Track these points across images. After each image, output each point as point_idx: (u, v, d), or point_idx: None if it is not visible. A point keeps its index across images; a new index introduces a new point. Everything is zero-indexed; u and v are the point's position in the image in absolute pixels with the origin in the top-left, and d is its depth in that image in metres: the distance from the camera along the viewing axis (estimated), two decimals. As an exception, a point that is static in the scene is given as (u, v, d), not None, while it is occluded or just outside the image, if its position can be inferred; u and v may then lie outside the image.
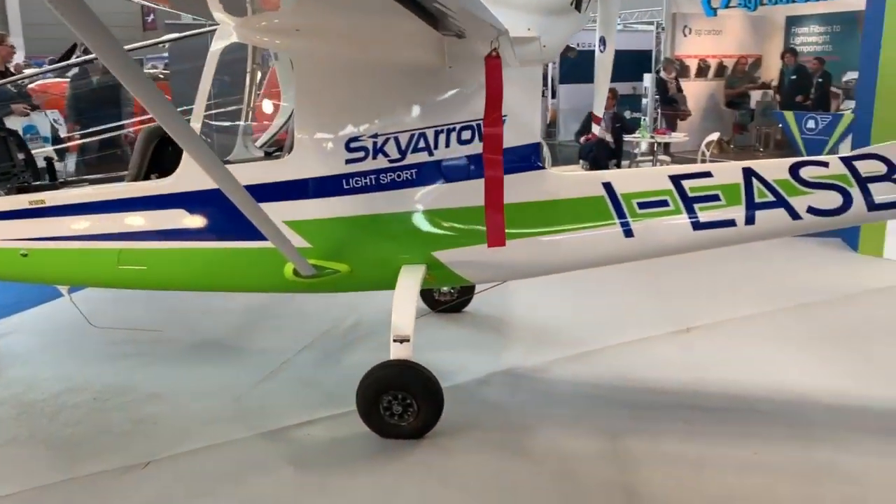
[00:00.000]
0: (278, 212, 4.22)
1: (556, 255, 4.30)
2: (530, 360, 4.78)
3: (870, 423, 3.92)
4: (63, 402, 4.27)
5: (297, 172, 4.21)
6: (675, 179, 4.23)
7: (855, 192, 4.09)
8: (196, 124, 4.18)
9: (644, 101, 14.20)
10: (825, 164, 4.18)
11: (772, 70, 14.62)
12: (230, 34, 4.16)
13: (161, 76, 11.18)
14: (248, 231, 4.23)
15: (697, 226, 4.17)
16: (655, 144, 11.60)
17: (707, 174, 4.24)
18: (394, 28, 3.95)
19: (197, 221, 4.31)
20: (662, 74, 13.37)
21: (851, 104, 14.10)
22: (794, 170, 4.17)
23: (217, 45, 4.20)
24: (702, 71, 14.33)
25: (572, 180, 4.38)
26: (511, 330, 5.27)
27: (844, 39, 12.89)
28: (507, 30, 3.57)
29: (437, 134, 4.23)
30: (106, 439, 3.85)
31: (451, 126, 4.24)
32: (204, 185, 4.21)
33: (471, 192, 4.24)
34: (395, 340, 3.85)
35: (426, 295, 5.74)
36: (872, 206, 4.11)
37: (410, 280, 4.15)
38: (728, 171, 4.23)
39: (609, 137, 11.11)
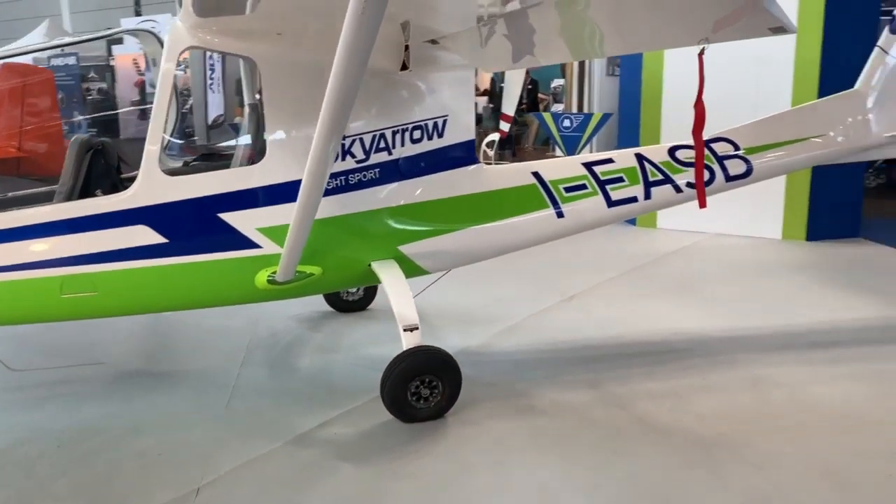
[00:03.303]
0: (252, 219, 4.16)
1: (501, 240, 4.80)
2: (471, 340, 5.21)
3: (762, 343, 5.05)
4: (27, 455, 3.70)
5: (270, 178, 4.17)
6: (588, 166, 4.99)
7: (716, 167, 5.17)
8: (154, 147, 3.93)
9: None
10: (691, 147, 5.23)
11: (485, 79, 16.49)
12: (182, 42, 3.96)
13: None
14: (217, 242, 4.13)
15: (611, 203, 4.96)
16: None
17: (610, 160, 5.05)
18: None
19: (159, 237, 4.02)
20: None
21: (560, 107, 16.53)
22: (671, 152, 5.15)
23: (170, 60, 3.95)
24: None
25: (505, 172, 4.91)
26: (434, 319, 5.62)
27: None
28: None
29: (394, 134, 4.48)
30: (125, 481, 3.47)
31: (405, 126, 4.51)
32: (166, 197, 4.00)
33: (427, 188, 4.59)
34: (405, 330, 4.04)
35: (332, 297, 5.85)
36: (728, 177, 5.23)
37: (394, 272, 4.36)
38: (625, 157, 5.07)
39: None
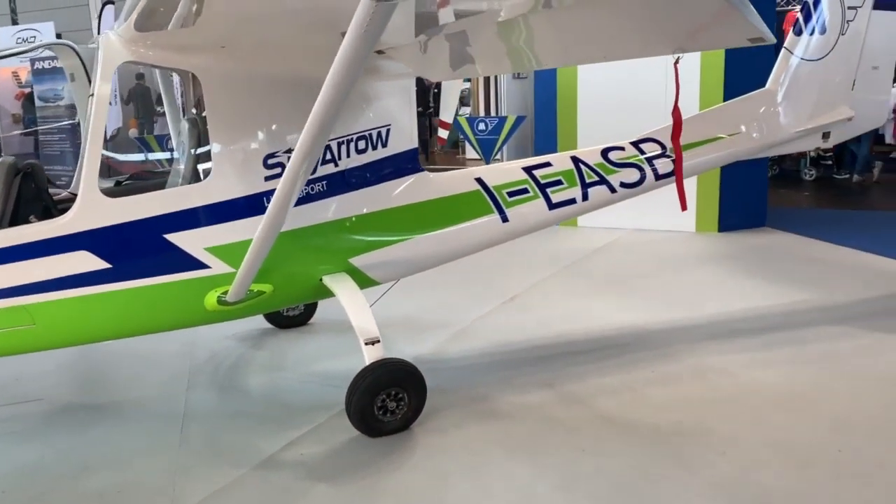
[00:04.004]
0: (199, 239, 4.02)
1: (449, 246, 4.83)
2: (422, 347, 5.20)
3: (699, 334, 5.29)
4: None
5: (217, 195, 4.04)
6: (528, 170, 5.09)
7: (646, 167, 5.37)
8: (93, 168, 3.73)
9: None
10: (622, 149, 5.39)
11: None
12: (117, 57, 3.78)
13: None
14: (163, 264, 3.97)
15: (551, 206, 5.08)
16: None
17: (548, 164, 5.16)
18: (310, 42, 4.06)
19: (102, 262, 3.82)
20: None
21: (467, 110, 16.72)
22: (604, 154, 5.32)
23: (106, 76, 3.76)
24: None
25: (450, 179, 4.93)
26: (382, 328, 5.49)
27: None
28: None
29: (339, 145, 4.43)
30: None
31: (350, 137, 4.47)
32: (108, 220, 3.82)
33: (374, 198, 4.56)
34: (367, 343, 4.00)
35: (272, 314, 5.70)
36: (657, 176, 5.45)
37: (348, 285, 4.31)
38: (561, 160, 5.20)
39: None
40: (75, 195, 4.58)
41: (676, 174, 4.23)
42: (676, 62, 3.33)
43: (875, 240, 7.71)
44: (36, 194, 4.00)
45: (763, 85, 5.99)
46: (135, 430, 4.16)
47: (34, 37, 20.32)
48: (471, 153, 14.30)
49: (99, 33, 13.65)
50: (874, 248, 7.40)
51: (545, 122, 9.40)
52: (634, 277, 6.85)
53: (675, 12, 2.69)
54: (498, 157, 11.34)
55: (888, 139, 11.93)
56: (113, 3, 16.09)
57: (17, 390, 4.74)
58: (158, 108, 14.41)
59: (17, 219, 3.87)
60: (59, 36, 20.39)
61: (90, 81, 5.09)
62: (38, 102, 13.71)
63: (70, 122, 13.31)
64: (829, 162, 12.20)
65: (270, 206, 3.55)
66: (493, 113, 14.43)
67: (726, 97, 8.03)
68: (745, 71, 8.03)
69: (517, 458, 3.68)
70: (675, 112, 3.83)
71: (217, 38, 3.80)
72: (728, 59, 8.16)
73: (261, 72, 4.04)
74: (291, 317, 5.76)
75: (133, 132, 15.42)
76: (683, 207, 4.20)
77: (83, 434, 4.13)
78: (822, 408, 4.10)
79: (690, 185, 8.34)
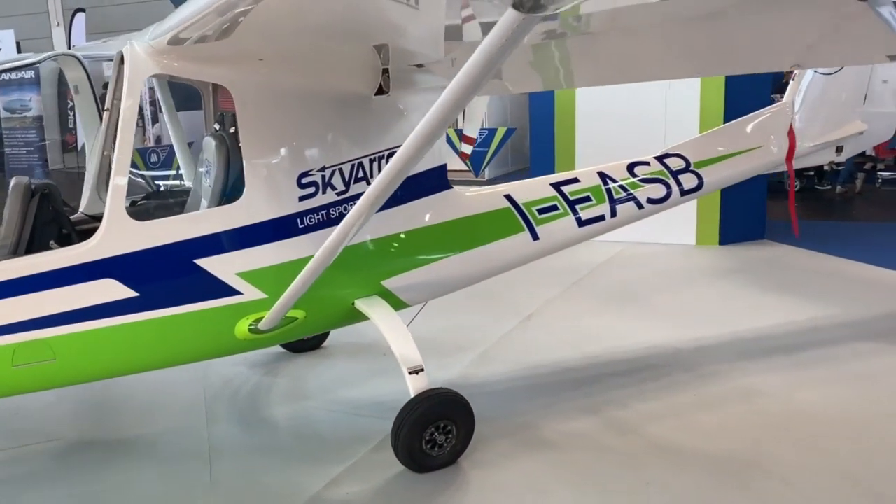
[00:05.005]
0: (231, 264, 3.76)
1: (481, 266, 4.64)
2: (448, 372, 4.99)
3: (731, 352, 5.16)
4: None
5: (250, 217, 3.78)
6: (556, 186, 4.94)
7: (671, 182, 5.26)
8: (120, 189, 3.45)
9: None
10: (648, 163, 5.28)
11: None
12: (144, 69, 3.51)
13: None
14: (194, 291, 3.71)
15: (581, 223, 4.93)
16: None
17: (576, 180, 5.02)
18: (343, 55, 3.86)
19: (128, 291, 3.53)
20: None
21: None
22: (630, 169, 5.20)
23: (133, 90, 3.48)
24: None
25: (479, 196, 4.75)
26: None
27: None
28: None
29: (371, 162, 4.21)
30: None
31: (381, 153, 4.26)
32: (137, 245, 3.54)
33: (406, 217, 4.36)
34: (411, 373, 3.77)
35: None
36: (683, 191, 5.35)
37: (384, 309, 4.10)
38: (589, 176, 5.06)
39: None
40: (89, 216, 4.32)
41: (790, 197, 4.06)
42: (791, 77, 3.19)
43: (872, 251, 7.73)
44: (53, 217, 3.70)
45: (764, 103, 5.95)
46: (159, 471, 3.86)
47: (-8, 45, 19.66)
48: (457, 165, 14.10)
49: (69, 41, 13.25)
50: (873, 259, 7.40)
51: (542, 134, 9.26)
52: (647, 293, 6.73)
53: (804, 21, 2.53)
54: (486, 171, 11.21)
55: (868, 151, 12.09)
56: (83, 10, 15.61)
57: (16, 425, 4.40)
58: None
59: (34, 244, 3.57)
60: (18, 44, 19.72)
61: (95, 94, 4.81)
62: (2, 114, 13.13)
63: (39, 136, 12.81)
64: (811, 173, 12.32)
65: (340, 227, 3.28)
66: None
67: (727, 116, 8.02)
68: (745, 89, 8.07)
69: (580, 491, 3.50)
70: (791, 133, 3.68)
71: (255, 49, 3.56)
72: (728, 77, 8.13)
73: (297, 86, 3.81)
74: (305, 340, 5.49)
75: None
76: (796, 233, 4.06)
77: (101, 477, 3.81)
78: (880, 432, 4.00)
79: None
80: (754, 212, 8.72)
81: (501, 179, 12.63)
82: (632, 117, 8.41)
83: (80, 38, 13.92)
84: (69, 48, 13.78)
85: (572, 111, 8.87)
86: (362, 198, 3.14)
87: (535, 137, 9.59)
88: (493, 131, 11.01)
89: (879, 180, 11.95)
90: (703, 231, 8.54)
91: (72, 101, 14.14)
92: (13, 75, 12.94)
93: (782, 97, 10.70)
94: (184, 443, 4.17)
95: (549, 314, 6.18)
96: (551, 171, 8.92)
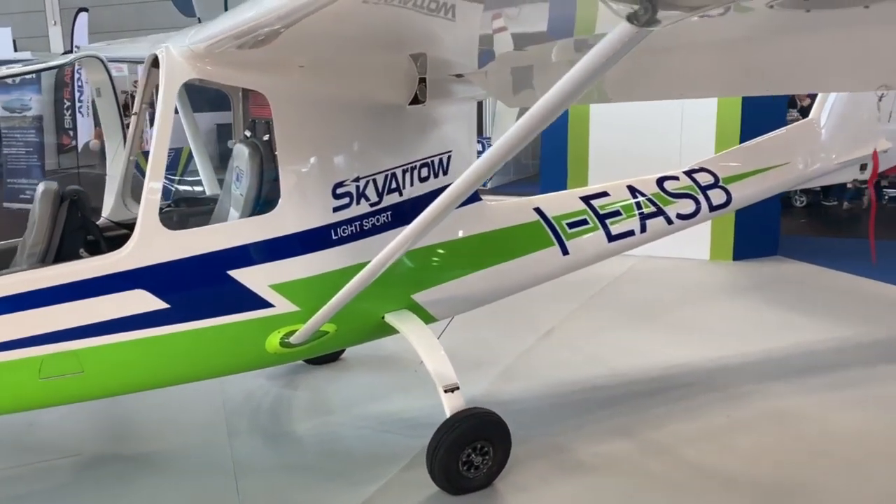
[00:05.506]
0: (264, 275, 3.64)
1: (510, 280, 4.55)
2: (472, 389, 4.81)
3: (759, 372, 5.07)
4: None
5: (285, 227, 3.67)
6: (585, 200, 4.85)
7: (700, 197, 5.17)
8: (154, 197, 3.33)
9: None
10: (677, 178, 5.20)
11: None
12: (181, 74, 3.40)
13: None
14: (225, 304, 3.59)
15: (610, 238, 4.83)
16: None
17: (605, 194, 4.93)
18: (383, 63, 3.77)
19: (159, 302, 3.41)
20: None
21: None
22: (660, 183, 5.11)
23: (169, 95, 3.36)
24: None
25: (508, 209, 4.65)
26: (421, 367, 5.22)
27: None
28: None
29: (404, 173, 4.11)
30: None
31: (414, 164, 4.16)
32: (169, 255, 3.42)
33: (437, 230, 4.21)
34: (446, 391, 3.66)
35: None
36: (712, 207, 5.26)
37: (416, 324, 3.99)
38: (618, 190, 4.97)
39: None
40: (114, 223, 4.19)
41: (871, 222, 3.97)
42: (880, 100, 3.11)
43: (883, 268, 7.65)
44: (82, 224, 3.57)
45: (780, 116, 5.86)
46: (184, 489, 3.73)
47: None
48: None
49: (72, 41, 13.03)
50: (886, 277, 7.33)
51: (554, 144, 9.18)
52: (665, 308, 6.64)
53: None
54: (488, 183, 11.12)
55: (874, 167, 12.09)
56: (87, 10, 15.45)
57: (32, 439, 4.25)
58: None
59: (62, 252, 3.44)
60: (14, 42, 19.50)
61: (117, 97, 4.68)
62: (2, 113, 12.92)
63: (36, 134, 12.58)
64: (818, 188, 12.31)
65: (400, 237, 3.16)
66: (484, 133, 14.18)
67: (744, 128, 7.97)
68: (762, 101, 8.00)
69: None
70: (875, 155, 3.61)
71: (295, 56, 3.46)
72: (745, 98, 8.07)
73: (334, 93, 3.71)
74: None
75: (95, 144, 14.69)
76: (874, 258, 3.98)
77: (125, 494, 3.68)
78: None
79: (704, 212, 8.28)
80: (768, 227, 8.66)
81: (506, 189, 12.55)
82: (647, 129, 8.33)
83: (83, 37, 13.74)
84: (71, 48, 13.64)
85: (586, 121, 8.79)
86: (434, 203, 3.00)
87: (547, 148, 9.51)
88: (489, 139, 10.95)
89: (886, 197, 11.93)
90: (717, 246, 8.47)
91: (68, 100, 14.02)
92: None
93: (795, 112, 10.73)
94: (207, 458, 4.04)
95: (569, 329, 6.09)
96: (563, 182, 8.91)
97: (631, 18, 1.69)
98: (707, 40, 2.90)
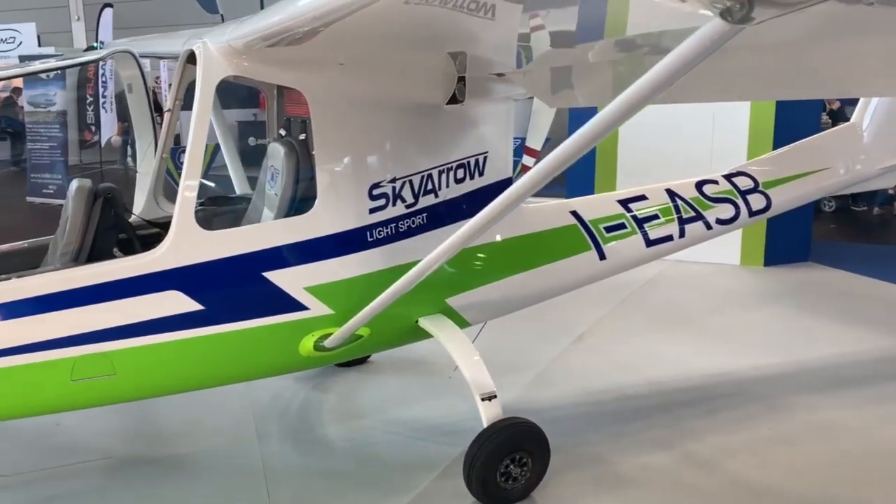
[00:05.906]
0: (299, 277, 3.56)
1: (546, 285, 4.45)
2: (504, 395, 4.59)
3: (799, 382, 4.94)
4: None
5: (322, 228, 3.59)
6: (623, 204, 4.73)
7: (740, 202, 5.03)
8: (190, 196, 3.26)
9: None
10: (716, 182, 5.07)
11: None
12: (219, 71, 3.32)
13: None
14: (260, 306, 3.51)
15: (648, 243, 4.71)
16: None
17: (643, 197, 4.80)
18: (422, 62, 3.68)
19: (193, 303, 3.34)
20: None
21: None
22: (699, 187, 4.98)
23: (207, 92, 3.28)
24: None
25: (544, 212, 4.54)
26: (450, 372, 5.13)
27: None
28: None
29: (440, 174, 4.02)
30: None
31: (450, 165, 4.06)
32: (205, 256, 3.34)
33: (473, 233, 4.14)
34: (483, 399, 3.56)
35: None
36: (751, 212, 5.13)
37: (451, 329, 3.91)
38: (657, 193, 4.84)
39: None
40: (148, 222, 4.13)
41: None
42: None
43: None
44: (116, 223, 3.51)
45: (815, 118, 5.69)
46: (214, 493, 3.66)
47: (13, 37, 19.53)
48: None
49: (97, 35, 13.00)
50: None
51: (583, 165, 9.04)
52: (698, 315, 6.50)
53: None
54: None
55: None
56: (111, 5, 15.48)
57: (60, 440, 4.19)
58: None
59: (95, 251, 3.38)
60: (39, 37, 19.60)
61: (148, 94, 4.61)
62: (27, 108, 12.95)
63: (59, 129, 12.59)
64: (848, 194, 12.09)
65: (448, 240, 3.10)
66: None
67: (777, 133, 7.80)
68: (796, 105, 7.84)
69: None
70: None
71: (334, 54, 3.37)
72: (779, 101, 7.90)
73: (372, 92, 3.62)
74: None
75: (116, 140, 14.71)
76: None
77: (155, 497, 3.61)
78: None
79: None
80: (800, 233, 8.47)
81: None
82: (678, 132, 8.17)
83: (108, 33, 13.75)
84: (96, 43, 13.64)
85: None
86: (490, 206, 2.89)
87: (581, 167, 9.34)
88: (522, 139, 10.80)
89: (918, 204, 11.68)
90: (748, 251, 8.30)
91: (91, 96, 14.04)
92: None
93: (824, 115, 10.46)
94: (237, 461, 3.96)
95: (601, 334, 5.97)
96: (590, 187, 8.79)
97: (725, 15, 1.58)
98: (769, 40, 2.78)
